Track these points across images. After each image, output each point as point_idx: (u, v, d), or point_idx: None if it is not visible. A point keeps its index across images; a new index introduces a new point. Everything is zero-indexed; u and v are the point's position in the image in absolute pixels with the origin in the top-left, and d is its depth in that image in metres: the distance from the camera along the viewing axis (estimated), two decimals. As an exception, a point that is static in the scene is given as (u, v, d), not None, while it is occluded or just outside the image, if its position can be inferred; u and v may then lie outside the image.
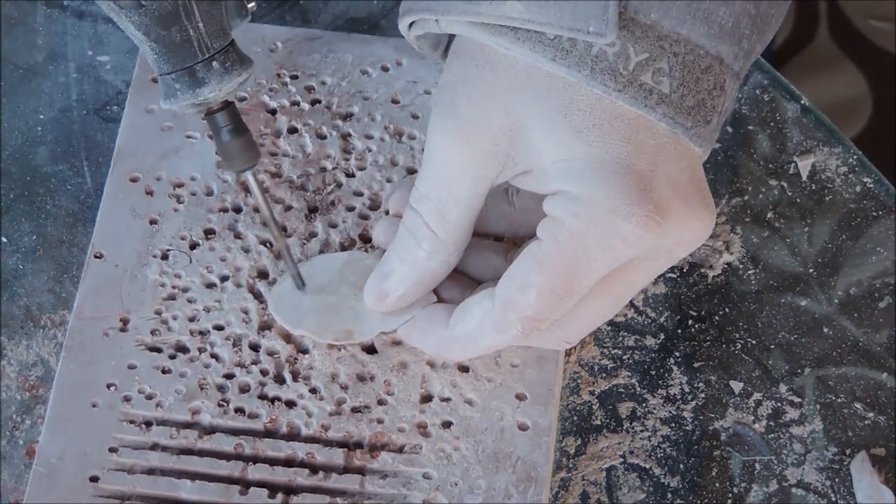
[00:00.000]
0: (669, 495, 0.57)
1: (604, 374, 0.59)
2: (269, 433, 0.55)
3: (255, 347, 0.57)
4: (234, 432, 0.55)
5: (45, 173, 0.63)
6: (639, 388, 0.59)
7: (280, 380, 0.56)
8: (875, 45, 1.26)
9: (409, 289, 0.54)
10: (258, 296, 0.58)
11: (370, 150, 0.61)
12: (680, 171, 0.49)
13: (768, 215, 0.63)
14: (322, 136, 0.61)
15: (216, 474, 0.54)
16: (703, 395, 0.59)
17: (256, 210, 0.59)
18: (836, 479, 0.57)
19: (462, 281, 0.55)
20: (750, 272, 0.62)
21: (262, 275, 0.58)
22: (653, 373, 0.59)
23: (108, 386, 0.55)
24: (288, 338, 0.57)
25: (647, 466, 0.57)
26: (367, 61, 0.63)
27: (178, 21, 0.50)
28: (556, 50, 0.47)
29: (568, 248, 0.49)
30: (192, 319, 0.57)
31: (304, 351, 0.57)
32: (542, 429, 0.55)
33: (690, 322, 0.60)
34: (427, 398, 0.56)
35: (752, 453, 0.58)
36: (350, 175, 0.61)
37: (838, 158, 0.64)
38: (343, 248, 0.59)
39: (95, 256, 0.58)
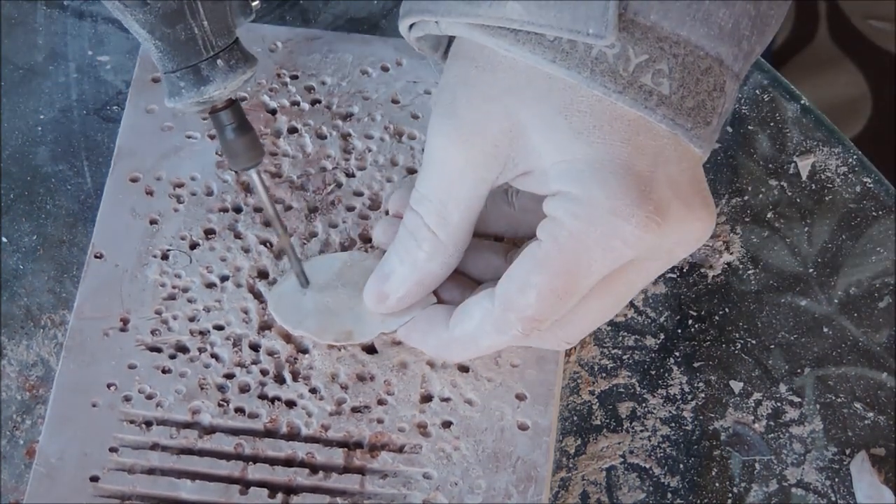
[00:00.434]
0: (669, 495, 0.57)
1: (604, 374, 0.59)
2: (269, 433, 0.55)
3: (255, 347, 0.57)
4: (234, 432, 0.55)
5: (45, 173, 0.63)
6: (639, 388, 0.59)
7: (280, 380, 0.56)
8: (875, 45, 1.26)
9: (410, 290, 0.54)
10: (258, 296, 0.58)
11: (370, 150, 0.61)
12: (680, 172, 0.49)
13: (768, 215, 0.63)
14: (322, 136, 0.61)
15: (216, 474, 0.54)
16: (702, 395, 0.59)
17: (257, 210, 0.59)
18: (836, 479, 0.57)
19: (462, 282, 0.55)
20: (750, 272, 0.62)
21: (263, 275, 0.58)
22: (653, 373, 0.59)
23: (109, 386, 0.55)
24: (288, 338, 0.57)
25: (647, 466, 0.57)
26: (367, 61, 0.63)
27: (184, 19, 0.50)
28: (556, 52, 0.47)
29: (568, 249, 0.49)
30: (192, 319, 0.57)
31: (304, 351, 0.57)
32: (542, 429, 0.55)
33: (690, 322, 0.60)
34: (427, 398, 0.56)
35: (752, 453, 0.58)
36: (350, 175, 0.61)
37: (838, 158, 0.64)
38: (343, 248, 0.59)
39: (95, 256, 0.58)
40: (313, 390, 0.56)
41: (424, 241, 0.52)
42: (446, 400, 0.56)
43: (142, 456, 0.54)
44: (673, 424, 0.58)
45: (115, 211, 0.59)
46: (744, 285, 0.61)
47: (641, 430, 0.58)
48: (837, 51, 1.25)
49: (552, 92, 0.48)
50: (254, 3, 0.52)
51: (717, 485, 0.57)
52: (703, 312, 0.61)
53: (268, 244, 0.59)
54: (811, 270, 0.62)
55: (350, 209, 0.60)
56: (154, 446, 0.55)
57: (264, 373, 0.56)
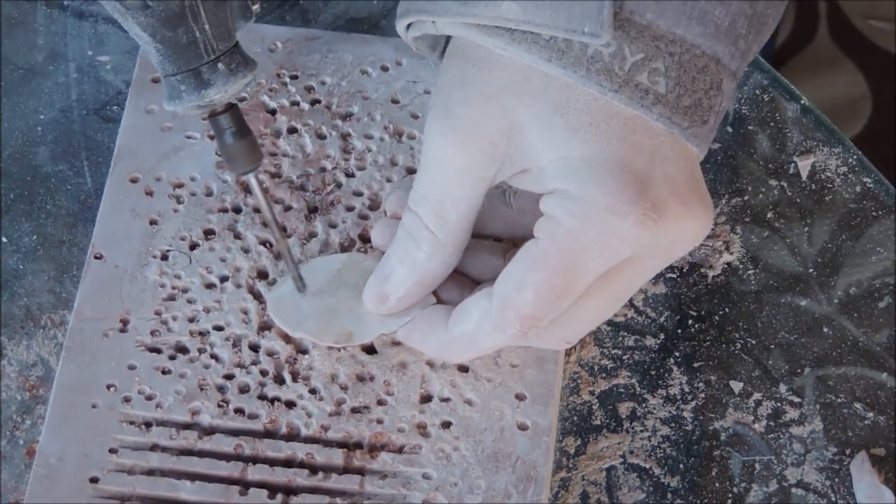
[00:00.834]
0: (669, 495, 0.57)
1: (604, 374, 0.59)
2: (269, 434, 0.55)
3: (254, 348, 0.57)
4: (234, 433, 0.55)
5: (45, 173, 0.63)
6: (639, 388, 0.59)
7: (280, 380, 0.56)
8: (875, 45, 1.26)
9: (410, 290, 0.54)
10: (258, 296, 0.58)
11: (370, 150, 0.61)
12: (677, 171, 0.49)
13: (768, 215, 0.63)
14: (322, 136, 0.61)
15: (216, 475, 0.54)
16: (702, 395, 0.59)
17: (256, 210, 0.59)
18: (836, 479, 0.57)
19: (461, 282, 0.55)
20: (750, 272, 0.62)
21: (262, 275, 0.58)
22: (653, 373, 0.59)
23: (108, 386, 0.56)
24: (287, 338, 0.57)
25: (647, 466, 0.57)
26: (366, 61, 0.63)
27: (185, 22, 0.50)
28: (552, 51, 0.47)
29: (565, 247, 0.49)
30: (191, 320, 0.57)
31: (304, 351, 0.57)
32: (542, 429, 0.55)
33: (690, 322, 0.60)
34: (427, 398, 0.56)
35: (752, 453, 0.58)
36: (350, 175, 0.61)
37: (838, 158, 0.64)
38: (343, 248, 0.59)
39: (95, 257, 0.58)
40: (313, 391, 0.56)
41: (423, 242, 0.52)
42: (446, 400, 0.56)
43: (141, 457, 0.54)
44: (673, 424, 0.58)
45: (114, 211, 0.59)
46: (744, 285, 0.61)
47: (641, 431, 0.58)
48: (837, 51, 1.25)
49: (548, 90, 0.48)
50: (254, 7, 0.52)
51: (717, 485, 0.57)
52: (703, 312, 0.61)
53: (267, 245, 0.59)
54: (811, 270, 0.62)
55: (350, 209, 0.60)
56: (154, 447, 0.55)
57: (264, 373, 0.56)
